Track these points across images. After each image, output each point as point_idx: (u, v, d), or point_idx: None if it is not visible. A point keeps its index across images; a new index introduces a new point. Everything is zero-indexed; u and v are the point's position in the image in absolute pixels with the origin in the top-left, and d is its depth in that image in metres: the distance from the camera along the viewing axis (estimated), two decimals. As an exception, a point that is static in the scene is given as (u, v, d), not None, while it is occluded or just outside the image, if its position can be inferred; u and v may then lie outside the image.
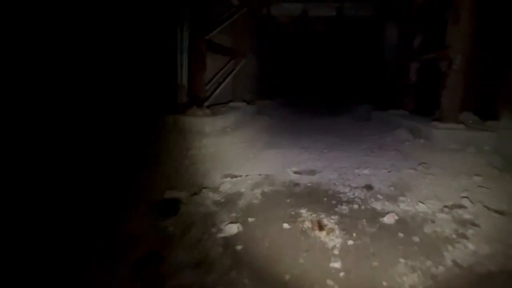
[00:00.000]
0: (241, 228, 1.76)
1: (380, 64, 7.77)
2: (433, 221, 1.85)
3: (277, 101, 9.08)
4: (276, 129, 5.22)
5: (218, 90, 4.84)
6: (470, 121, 4.38)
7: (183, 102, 4.13)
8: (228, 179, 2.68)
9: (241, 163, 3.10)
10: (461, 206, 2.06)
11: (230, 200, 2.22)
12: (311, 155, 3.43)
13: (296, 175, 2.74)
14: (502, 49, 3.95)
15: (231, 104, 5.76)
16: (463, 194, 2.24)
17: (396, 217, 1.87)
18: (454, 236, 1.68)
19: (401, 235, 1.70)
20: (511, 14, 3.67)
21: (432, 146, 3.45)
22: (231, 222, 1.80)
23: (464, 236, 1.68)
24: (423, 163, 2.99)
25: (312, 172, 2.81)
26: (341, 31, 9.51)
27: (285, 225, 1.77)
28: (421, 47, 5.31)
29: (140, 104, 3.57)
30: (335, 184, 2.48)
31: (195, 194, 2.35)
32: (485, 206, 2.05)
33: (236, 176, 2.75)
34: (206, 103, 4.34)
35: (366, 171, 2.75)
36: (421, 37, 5.46)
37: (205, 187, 2.46)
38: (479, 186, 2.46)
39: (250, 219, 1.88)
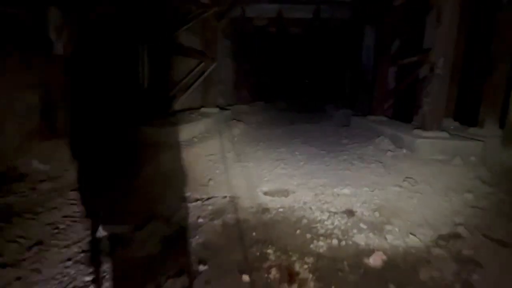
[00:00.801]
0: (186, 284, 1.33)
1: (358, 68, 7.60)
2: (428, 261, 1.50)
3: (255, 105, 8.71)
4: (251, 137, 4.82)
5: (185, 95, 4.39)
6: (452, 127, 4.20)
7: (143, 110, 3.65)
8: (186, 204, 2.24)
9: (204, 182, 2.67)
10: (457, 236, 1.74)
11: (183, 236, 1.78)
12: (286, 169, 3.05)
13: (267, 197, 2.35)
14: (484, 51, 3.79)
15: (202, 110, 5.31)
16: (457, 220, 1.93)
17: (384, 257, 1.51)
18: (458, 286, 1.34)
19: (392, 287, 1.33)
20: (493, 16, 3.50)
21: (415, 157, 3.17)
22: (175, 275, 1.37)
23: (469, 285, 1.34)
24: (408, 177, 2.69)
25: (285, 193, 2.42)
26: (319, 34, 9.31)
27: (245, 278, 1.36)
28: (400, 51, 5.12)
29: (104, 117, 3.09)
30: (311, 209, 2.11)
31: (140, 227, 1.89)
32: (485, 236, 1.74)
33: (196, 200, 2.31)
34: (171, 110, 3.87)
35: (346, 190, 2.39)
36: (399, 41, 5.29)
37: (155, 217, 2.01)
38: (472, 206, 2.17)
39: (201, 267, 1.45)
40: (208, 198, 2.32)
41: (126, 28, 3.51)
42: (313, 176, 2.83)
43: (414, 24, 4.38)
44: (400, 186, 2.53)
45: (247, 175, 2.88)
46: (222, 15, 5.41)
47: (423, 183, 2.60)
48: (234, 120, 5.71)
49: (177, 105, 4.05)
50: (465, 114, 4.42)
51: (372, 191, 2.39)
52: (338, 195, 2.34)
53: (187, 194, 2.41)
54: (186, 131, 3.67)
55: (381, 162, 3.16)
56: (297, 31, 9.16)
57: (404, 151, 3.36)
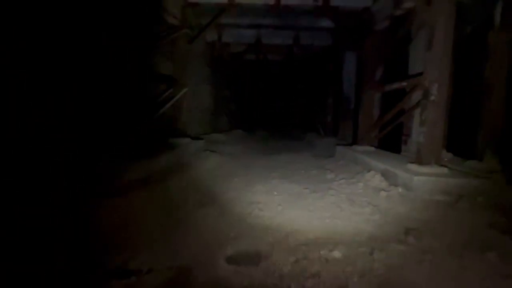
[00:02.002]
0: None
1: (340, 95, 7.33)
2: None
3: (234, 133, 8.19)
4: (225, 171, 4.22)
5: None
6: (446, 159, 3.78)
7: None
8: (114, 281, 1.56)
9: (149, 242, 2.00)
10: None
11: None
12: (260, 218, 2.45)
13: (230, 266, 1.71)
14: (475, 73, 3.48)
15: (169, 140, 4.70)
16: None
17: None
18: None
19: None
20: (484, 36, 3.22)
21: (414, 198, 2.67)
22: None
23: None
24: (410, 229, 2.14)
25: (256, 258, 1.80)
26: (300, 61, 9.15)
27: None
28: (384, 77, 4.82)
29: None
30: (289, 288, 1.49)
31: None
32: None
33: (129, 274, 1.63)
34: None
35: (337, 253, 1.80)
36: (383, 67, 5.01)
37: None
38: (503, 275, 1.63)
39: None
40: (149, 271, 1.66)
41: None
42: (294, 227, 2.23)
43: (398, 48, 4.11)
44: (404, 243, 1.97)
45: (209, 229, 2.25)
46: (193, 38, 4.99)
47: (429, 236, 2.06)
48: (208, 151, 5.12)
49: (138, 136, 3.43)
50: (458, 144, 4.05)
51: (371, 253, 1.80)
52: (327, 260, 1.74)
53: (120, 260, 1.73)
54: (138, 170, 3.03)
55: (375, 206, 2.62)
56: (277, 57, 8.97)
57: (400, 189, 2.86)
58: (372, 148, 4.63)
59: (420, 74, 3.10)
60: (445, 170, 2.93)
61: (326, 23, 6.04)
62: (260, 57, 8.74)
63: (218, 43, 6.95)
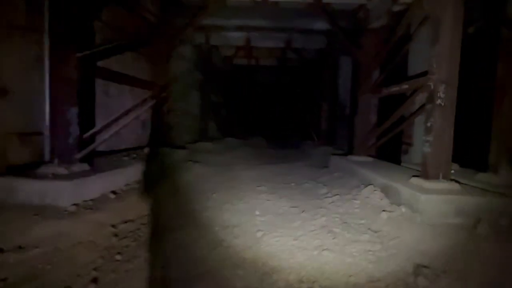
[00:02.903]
0: None
1: (335, 101, 6.93)
2: None
3: (223, 142, 7.72)
4: (206, 185, 3.73)
5: (106, 135, 3.29)
6: (452, 171, 3.33)
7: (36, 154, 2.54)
8: None
9: (80, 286, 1.51)
10: None
11: None
12: (233, 248, 1.97)
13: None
14: (482, 74, 3.07)
15: (146, 150, 4.24)
16: None
17: None
18: None
19: None
20: (495, 32, 2.81)
21: (423, 223, 2.20)
22: None
23: None
24: (422, 266, 1.67)
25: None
26: (293, 65, 8.76)
27: None
28: (381, 81, 4.40)
29: None
30: None
31: None
32: None
33: None
34: (84, 152, 2.77)
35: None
36: (379, 70, 4.59)
37: None
38: None
39: None
40: None
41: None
42: (272, 263, 1.75)
43: (397, 48, 3.70)
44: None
45: (170, 263, 1.76)
46: (175, 38, 4.57)
47: (447, 276, 1.59)
48: (191, 162, 4.64)
49: (95, 146, 2.95)
50: (465, 153, 3.61)
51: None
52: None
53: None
54: (98, 185, 2.55)
55: (375, 232, 2.15)
56: (270, 62, 8.58)
57: (404, 210, 2.39)
58: (370, 159, 4.18)
59: (424, 74, 2.67)
60: (456, 186, 2.48)
61: (319, 25, 5.66)
62: (251, 61, 8.34)
63: (206, 45, 6.54)
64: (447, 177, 2.56)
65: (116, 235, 2.07)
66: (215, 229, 2.30)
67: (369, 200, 2.73)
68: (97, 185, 2.57)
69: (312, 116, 8.01)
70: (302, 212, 2.64)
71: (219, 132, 8.88)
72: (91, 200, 2.53)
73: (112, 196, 2.67)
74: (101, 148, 3.36)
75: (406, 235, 2.06)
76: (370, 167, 3.55)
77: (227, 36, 6.52)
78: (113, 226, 2.18)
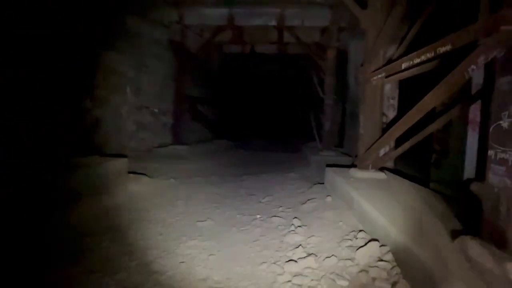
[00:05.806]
0: None
1: (344, 96, 5.48)
2: None
3: (208, 145, 6.46)
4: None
5: None
6: None
7: None
8: None
9: None
10: None
11: None
12: None
13: None
14: None
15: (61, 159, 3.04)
16: None
17: None
18: None
19: None
20: None
21: None
22: None
23: None
24: None
25: None
26: (294, 55, 7.32)
27: None
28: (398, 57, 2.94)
29: None
30: None
31: None
32: None
33: None
34: None
35: None
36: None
37: None
38: None
39: None
40: None
41: None
42: None
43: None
44: None
45: None
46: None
47: None
48: (132, 175, 3.40)
49: None
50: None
51: None
52: None
53: None
54: None
55: None
56: (267, 50, 7.19)
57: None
58: (382, 175, 2.75)
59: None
60: None
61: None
62: (245, 49, 7.01)
63: (179, 26, 5.30)
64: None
65: None
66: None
67: (368, 278, 1.34)
68: None
69: (316, 114, 6.56)
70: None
71: (211, 133, 7.64)
72: None
73: None
74: None
75: None
76: (378, 194, 2.14)
77: (206, 14, 5.25)
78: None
